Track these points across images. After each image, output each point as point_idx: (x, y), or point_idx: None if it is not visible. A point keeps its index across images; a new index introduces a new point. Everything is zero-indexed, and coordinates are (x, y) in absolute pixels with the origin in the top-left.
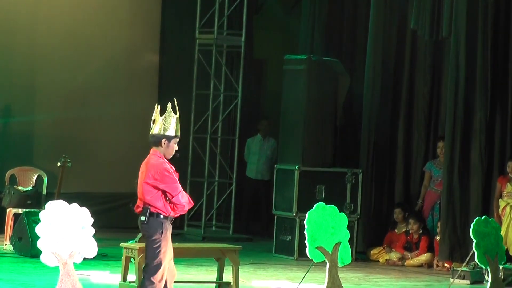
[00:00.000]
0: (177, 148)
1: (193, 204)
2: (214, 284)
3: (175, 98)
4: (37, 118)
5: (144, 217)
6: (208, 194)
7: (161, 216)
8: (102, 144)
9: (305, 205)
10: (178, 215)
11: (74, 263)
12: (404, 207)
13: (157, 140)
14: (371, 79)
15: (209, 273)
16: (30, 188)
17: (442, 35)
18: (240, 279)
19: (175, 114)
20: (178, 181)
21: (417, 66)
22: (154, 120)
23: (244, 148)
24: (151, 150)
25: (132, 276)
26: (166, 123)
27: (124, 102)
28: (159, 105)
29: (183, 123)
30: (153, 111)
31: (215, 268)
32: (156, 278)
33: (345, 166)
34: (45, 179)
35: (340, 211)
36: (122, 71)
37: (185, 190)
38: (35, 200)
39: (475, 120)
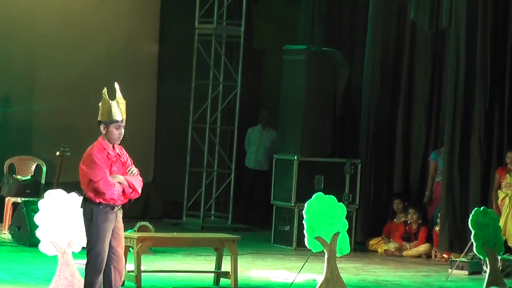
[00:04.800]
0: (122, 133)
1: (139, 193)
2: (213, 274)
3: (116, 82)
4: (36, 107)
5: (80, 203)
6: (207, 184)
7: (93, 203)
8: (101, 133)
9: (304, 195)
10: (117, 202)
11: (72, 252)
12: (404, 197)
13: (98, 126)
14: (371, 70)
15: (207, 263)
16: (29, 177)
17: (442, 25)
18: (238, 269)
19: (112, 99)
20: (103, 167)
21: (416, 57)
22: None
23: (244, 138)
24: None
25: (130, 266)
26: (102, 108)
27: (123, 91)
28: (105, 91)
29: (183, 113)
30: (153, 101)
31: (214, 258)
32: (93, 263)
33: (344, 156)
34: (44, 168)
35: (338, 201)
36: (122, 61)
37: (183, 180)
38: (34, 189)
39: (474, 111)
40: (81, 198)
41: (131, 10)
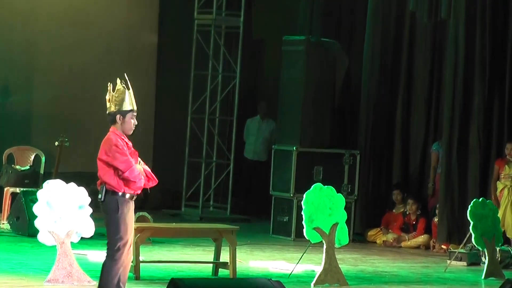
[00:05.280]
0: (136, 123)
1: (156, 181)
2: (211, 264)
3: (125, 74)
4: (35, 97)
5: (100, 195)
6: (206, 175)
7: (114, 193)
8: (100, 123)
9: (303, 186)
10: (137, 192)
11: (71, 242)
12: (403, 188)
13: (112, 118)
14: (370, 60)
15: (206, 254)
16: (27, 167)
17: (441, 16)
18: (237, 259)
19: (127, 89)
20: (129, 156)
21: (416, 48)
22: (108, 99)
23: (243, 129)
24: (110, 128)
25: None
26: (118, 99)
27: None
28: (111, 84)
29: (181, 103)
30: (152, 91)
31: (212, 249)
32: (121, 257)
33: (343, 147)
34: (43, 159)
35: (337, 192)
36: (121, 51)
37: (182, 170)
38: (33, 180)
39: (473, 102)
40: (101, 190)
41: (131, 0)
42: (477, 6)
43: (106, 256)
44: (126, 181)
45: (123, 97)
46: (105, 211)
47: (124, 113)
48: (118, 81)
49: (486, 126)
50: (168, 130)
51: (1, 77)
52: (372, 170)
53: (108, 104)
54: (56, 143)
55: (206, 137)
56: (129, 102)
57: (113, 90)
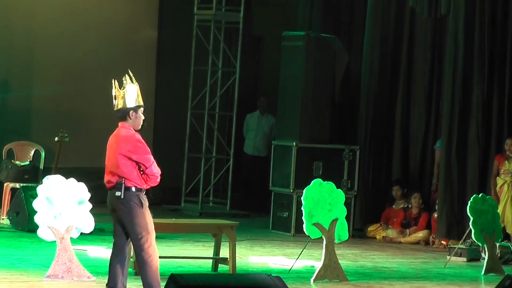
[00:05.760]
0: (143, 118)
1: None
2: (211, 260)
3: (129, 70)
4: (35, 92)
5: (119, 193)
6: (206, 170)
7: (137, 189)
8: (100, 119)
9: (303, 182)
10: (149, 187)
11: (71, 238)
12: (403, 184)
13: (124, 114)
14: (370, 56)
15: (206, 249)
16: (27, 162)
17: (440, 12)
18: (237, 255)
19: (134, 84)
20: (150, 152)
21: (416, 43)
22: (115, 96)
23: (243, 124)
24: (119, 124)
25: None
26: (129, 95)
27: (122, 77)
28: (115, 80)
29: (181, 99)
30: (151, 87)
31: (212, 244)
32: (152, 251)
33: (343, 142)
34: (43, 154)
35: (337, 188)
36: (120, 46)
37: (182, 166)
38: (33, 175)
39: (472, 98)
40: (120, 186)
41: None
42: (477, 1)
43: (141, 253)
44: (146, 177)
45: (134, 93)
46: (127, 207)
47: (136, 109)
48: (126, 77)
49: (486, 122)
50: (168, 126)
51: (1, 72)
52: (372, 166)
53: (116, 101)
54: (56, 139)
55: (205, 132)
56: (140, 98)
57: (120, 87)
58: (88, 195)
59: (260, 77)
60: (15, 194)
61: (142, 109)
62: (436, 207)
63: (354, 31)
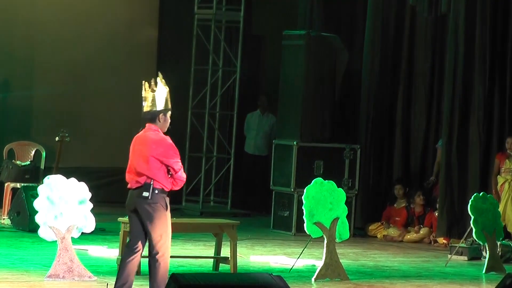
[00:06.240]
0: (169, 121)
1: None
2: (212, 259)
3: (159, 72)
4: (35, 92)
5: (147, 193)
6: (206, 169)
7: (163, 191)
8: (101, 118)
9: (303, 181)
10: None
11: (72, 237)
12: (405, 183)
13: (153, 116)
14: (370, 55)
15: (207, 248)
16: (28, 162)
17: (441, 11)
18: (238, 254)
19: (165, 87)
20: (180, 157)
21: (416, 42)
22: (145, 98)
23: (244, 123)
24: (146, 125)
25: None
26: (159, 98)
27: (122, 77)
28: (145, 82)
29: (182, 98)
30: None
31: (213, 243)
32: (168, 253)
33: (344, 141)
34: (43, 154)
35: (338, 187)
36: (121, 46)
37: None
38: (33, 175)
39: (473, 96)
40: (148, 188)
41: None
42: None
43: (155, 254)
44: (174, 181)
45: (166, 96)
46: (152, 208)
47: (165, 112)
48: (158, 79)
49: (487, 120)
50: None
51: (2, 72)
52: (372, 165)
53: (145, 103)
54: (57, 138)
55: (206, 131)
56: (169, 101)
57: (150, 89)
58: (89, 194)
59: (261, 76)
60: (16, 194)
61: (170, 112)
62: (437, 205)
63: (354, 30)
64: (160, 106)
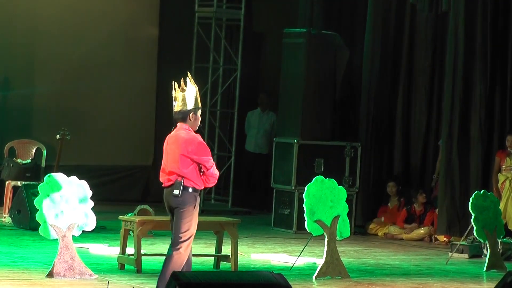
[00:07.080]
0: (200, 119)
1: None
2: (213, 257)
3: (188, 72)
4: (36, 90)
5: (178, 191)
6: None
7: (194, 189)
8: (101, 116)
9: (304, 179)
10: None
11: (73, 235)
12: (398, 181)
13: (184, 116)
14: (371, 53)
15: (207, 246)
16: (29, 160)
17: (441, 9)
18: (238, 252)
19: (194, 86)
20: (211, 154)
21: (417, 40)
22: (175, 97)
23: (244, 122)
24: (178, 125)
25: (130, 249)
26: (189, 97)
27: (123, 75)
28: (175, 82)
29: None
30: (153, 84)
31: (214, 241)
32: (187, 250)
33: (344, 139)
34: (44, 152)
35: (339, 185)
36: (122, 44)
37: None
38: (34, 173)
39: (474, 94)
40: (179, 185)
41: None
42: None
43: (173, 249)
44: (206, 178)
45: (196, 96)
46: (181, 205)
47: (195, 111)
48: (187, 78)
49: (488, 118)
50: (170, 123)
51: (2, 70)
52: (373, 163)
53: (176, 102)
54: (58, 136)
55: (207, 130)
56: (199, 100)
57: (180, 88)
58: (90, 193)
59: (261, 74)
60: (17, 192)
61: (200, 111)
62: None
63: (355, 28)
64: (190, 105)
